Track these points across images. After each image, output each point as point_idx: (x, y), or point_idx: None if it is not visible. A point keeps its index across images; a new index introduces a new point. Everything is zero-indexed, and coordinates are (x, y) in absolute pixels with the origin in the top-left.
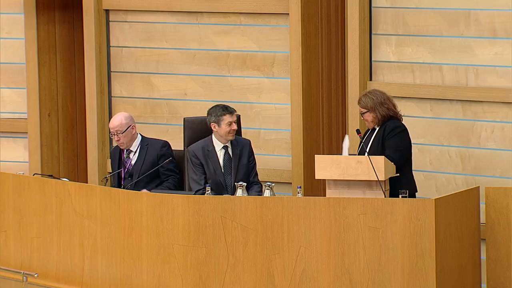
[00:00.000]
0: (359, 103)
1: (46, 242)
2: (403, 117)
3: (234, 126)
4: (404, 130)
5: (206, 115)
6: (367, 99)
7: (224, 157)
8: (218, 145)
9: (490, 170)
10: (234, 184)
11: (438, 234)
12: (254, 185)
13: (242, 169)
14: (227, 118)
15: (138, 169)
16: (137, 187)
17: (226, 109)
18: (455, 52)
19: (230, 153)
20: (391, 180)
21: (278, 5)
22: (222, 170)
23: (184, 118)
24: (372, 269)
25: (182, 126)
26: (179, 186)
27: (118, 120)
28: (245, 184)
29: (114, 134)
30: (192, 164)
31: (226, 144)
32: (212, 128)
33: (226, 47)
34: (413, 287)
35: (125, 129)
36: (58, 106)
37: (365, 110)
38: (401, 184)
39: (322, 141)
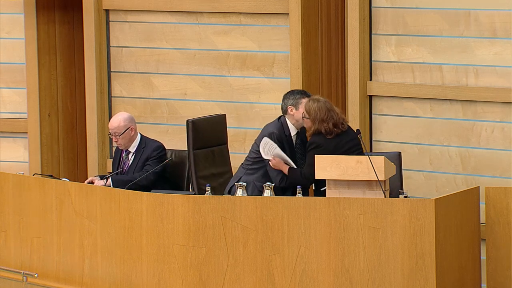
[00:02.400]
0: (306, 104)
1: (46, 242)
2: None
3: None
4: (318, 147)
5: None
6: (311, 109)
7: (296, 143)
8: (293, 131)
9: (490, 170)
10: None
11: (438, 234)
12: None
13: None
14: (305, 102)
15: (131, 173)
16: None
17: (304, 93)
18: (455, 52)
19: (299, 139)
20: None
21: (278, 5)
22: (296, 156)
23: (187, 120)
24: (372, 269)
25: (185, 127)
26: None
27: (116, 121)
28: (245, 184)
29: (112, 135)
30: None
31: (298, 130)
32: (289, 111)
33: (226, 47)
34: (413, 287)
35: (122, 131)
36: (58, 106)
37: (307, 116)
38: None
39: None
